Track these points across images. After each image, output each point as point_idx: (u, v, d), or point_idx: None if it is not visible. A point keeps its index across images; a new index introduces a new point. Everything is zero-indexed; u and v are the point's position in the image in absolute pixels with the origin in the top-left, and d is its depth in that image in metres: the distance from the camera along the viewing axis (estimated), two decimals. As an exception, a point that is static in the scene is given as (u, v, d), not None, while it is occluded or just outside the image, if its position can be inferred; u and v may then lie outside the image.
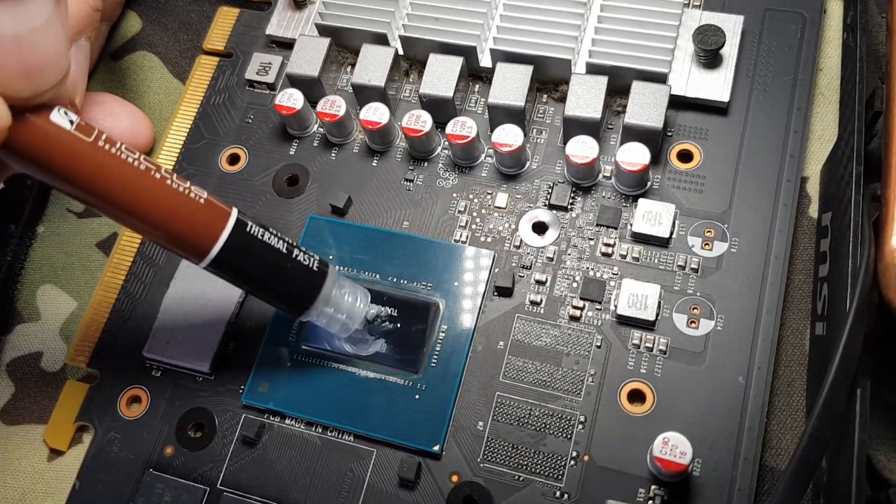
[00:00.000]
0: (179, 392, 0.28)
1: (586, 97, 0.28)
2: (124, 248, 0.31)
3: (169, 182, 0.22)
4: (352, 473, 0.26)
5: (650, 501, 0.24)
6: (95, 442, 0.28)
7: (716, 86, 0.28)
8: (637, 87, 0.28)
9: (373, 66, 0.30)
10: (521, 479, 0.25)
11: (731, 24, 0.29)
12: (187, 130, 0.32)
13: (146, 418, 0.28)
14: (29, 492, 0.28)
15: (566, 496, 0.25)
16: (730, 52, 0.29)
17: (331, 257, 0.29)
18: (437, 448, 0.26)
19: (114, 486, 0.27)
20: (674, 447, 0.23)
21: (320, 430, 0.27)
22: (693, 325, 0.26)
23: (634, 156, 0.27)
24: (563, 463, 0.25)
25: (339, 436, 0.27)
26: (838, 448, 0.23)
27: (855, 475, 0.21)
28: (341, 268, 0.28)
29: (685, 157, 0.28)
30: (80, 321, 0.30)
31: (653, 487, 0.24)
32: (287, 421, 0.27)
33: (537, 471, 0.25)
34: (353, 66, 0.31)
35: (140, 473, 0.27)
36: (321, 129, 0.31)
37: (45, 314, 0.31)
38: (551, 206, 0.28)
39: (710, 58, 0.28)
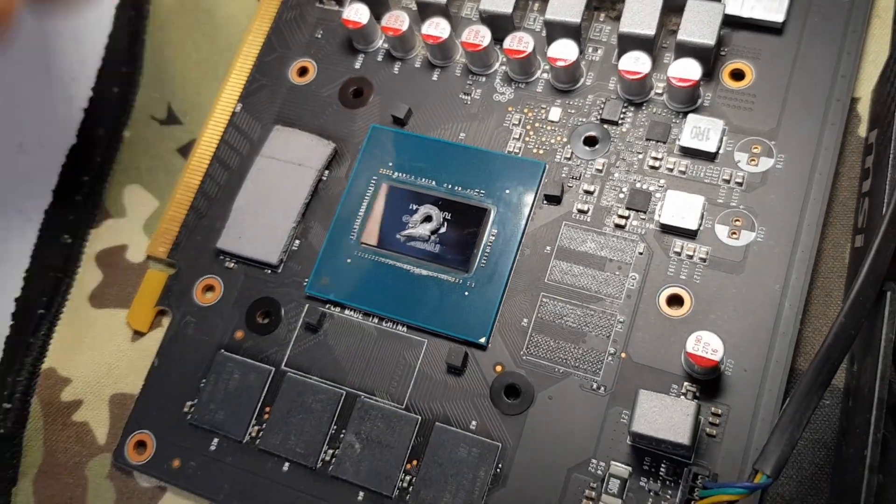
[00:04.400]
0: (249, 282, 0.31)
1: (641, 14, 0.29)
2: (202, 153, 0.33)
3: None
4: (404, 360, 0.28)
5: (682, 396, 0.26)
6: (173, 325, 0.31)
7: (772, 6, 0.29)
8: (692, 4, 0.29)
9: (436, -18, 0.31)
10: (561, 371, 0.27)
11: (792, -55, 0.29)
12: (261, 44, 0.34)
13: (219, 305, 0.31)
14: (114, 367, 0.31)
15: (602, 388, 0.26)
16: (788, -28, 0.29)
17: (390, 164, 0.31)
18: (483, 340, 0.27)
19: (188, 364, 0.30)
20: (706, 345, 0.25)
21: (376, 321, 0.29)
22: (734, 235, 0.27)
23: (686, 71, 0.28)
24: (601, 359, 0.27)
25: (394, 326, 0.29)
26: (866, 351, 0.24)
27: (879, 374, 0.22)
28: (400, 174, 0.30)
29: (737, 75, 0.29)
30: (162, 217, 0.33)
31: (685, 384, 0.26)
32: (346, 311, 0.29)
33: (576, 365, 0.27)
34: (418, -17, 0.32)
35: (212, 354, 0.30)
36: (385, 44, 0.33)
37: (130, 211, 0.34)
38: (603, 121, 0.29)
39: (767, -23, 0.29)
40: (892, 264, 0.24)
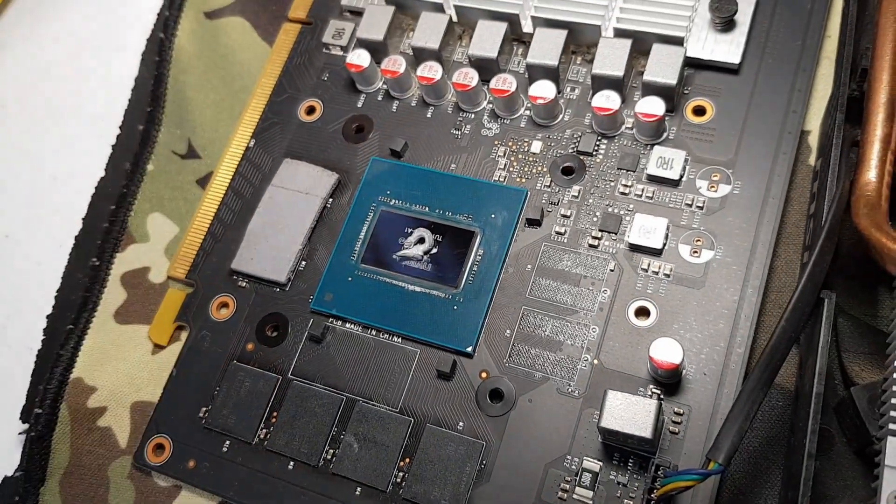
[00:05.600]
0: (260, 299, 0.34)
1: (612, 57, 0.32)
2: (218, 184, 0.36)
3: None
4: (398, 368, 0.31)
5: (648, 397, 0.28)
6: (190, 339, 0.34)
7: (729, 49, 0.32)
8: (656, 48, 0.32)
9: (430, 30, 0.35)
10: (540, 377, 0.30)
11: (747, -5, 0.33)
12: (273, 86, 0.38)
13: (232, 320, 0.34)
14: (136, 377, 0.34)
15: (577, 392, 0.29)
16: (743, 19, 0.32)
17: (388, 192, 0.34)
18: (469, 349, 0.30)
19: (204, 374, 0.33)
20: (666, 349, 0.27)
21: (374, 333, 0.32)
22: (695, 254, 0.30)
23: (651, 107, 0.31)
24: (575, 365, 0.29)
25: (390, 337, 0.32)
26: (809, 353, 0.27)
27: (817, 371, 0.25)
28: (397, 201, 0.33)
29: (699, 111, 0.32)
30: (181, 242, 0.36)
31: (651, 386, 0.28)
32: (347, 324, 0.32)
33: (553, 371, 0.30)
34: (413, 30, 0.36)
35: (226, 364, 0.33)
36: (384, 85, 0.36)
37: (152, 236, 0.37)
38: (579, 153, 0.33)
39: (724, 24, 0.32)
40: (828, 276, 0.27)
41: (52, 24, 0.45)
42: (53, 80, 0.43)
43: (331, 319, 0.32)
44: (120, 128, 0.39)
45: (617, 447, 0.28)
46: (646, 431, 0.26)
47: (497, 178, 0.33)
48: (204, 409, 0.32)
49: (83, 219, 0.38)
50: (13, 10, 0.46)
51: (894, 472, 0.23)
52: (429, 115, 0.35)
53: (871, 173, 0.27)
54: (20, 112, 0.43)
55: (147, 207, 0.38)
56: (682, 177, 0.31)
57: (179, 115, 0.39)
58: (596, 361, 0.29)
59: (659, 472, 0.27)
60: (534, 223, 0.32)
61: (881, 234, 0.25)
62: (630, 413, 0.26)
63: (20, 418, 0.34)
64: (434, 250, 0.32)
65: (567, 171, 0.33)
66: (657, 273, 0.30)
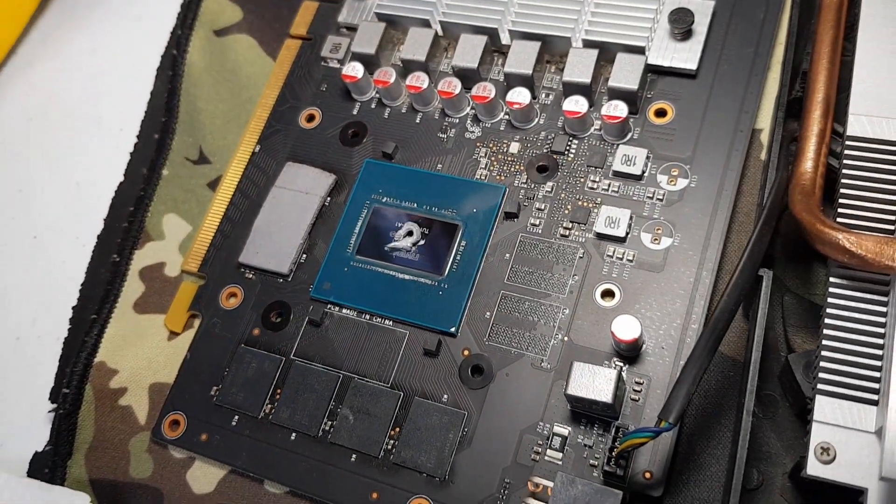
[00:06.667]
0: (265, 289, 0.37)
1: (581, 66, 0.36)
2: (227, 186, 0.40)
3: None
4: (390, 348, 0.34)
5: (612, 367, 0.31)
6: (202, 326, 0.37)
7: (687, 56, 0.35)
8: (620, 56, 0.35)
9: (417, 44, 0.38)
10: (516, 353, 0.33)
11: (704, 7, 0.36)
12: (276, 96, 0.41)
13: (240, 308, 0.37)
14: (153, 361, 0.38)
15: (549, 366, 0.32)
16: (700, 29, 0.36)
17: (381, 190, 0.37)
18: (453, 329, 0.34)
19: (215, 357, 0.36)
20: (626, 325, 0.30)
21: (367, 317, 0.35)
22: (656, 241, 0.33)
23: (615, 110, 0.34)
24: (548, 342, 0.33)
25: (382, 321, 0.35)
26: (752, 329, 0.30)
27: (755, 339, 0.28)
28: (388, 198, 0.37)
29: (661, 113, 0.36)
30: (194, 239, 0.39)
31: (614, 359, 0.32)
32: (343, 310, 0.35)
33: (528, 347, 0.33)
34: (403, 44, 0.39)
35: (234, 348, 0.36)
36: (377, 94, 0.39)
37: (167, 235, 0.41)
38: (552, 152, 0.36)
39: (682, 34, 0.35)
40: (773, 258, 0.30)
41: (75, 42, 0.49)
42: (76, 94, 0.47)
43: (329, 306, 0.36)
44: (137, 137, 0.43)
45: (583, 413, 0.31)
46: (607, 397, 0.29)
47: (479, 177, 0.36)
48: (215, 388, 0.36)
49: (104, 220, 0.41)
50: (38, 30, 0.50)
51: (821, 427, 0.26)
52: (417, 121, 0.39)
53: (807, 164, 0.30)
54: (46, 123, 0.46)
55: (162, 209, 0.41)
56: (644, 172, 0.34)
57: (191, 124, 0.42)
58: (566, 339, 0.32)
59: (619, 434, 0.30)
60: (511, 216, 0.35)
61: (812, 218, 0.28)
62: (593, 381, 0.30)
63: (49, 398, 0.37)
64: (421, 242, 0.35)
65: (542, 170, 0.36)
66: (621, 259, 0.33)
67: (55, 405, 0.37)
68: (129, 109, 0.44)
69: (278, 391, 0.35)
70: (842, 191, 0.29)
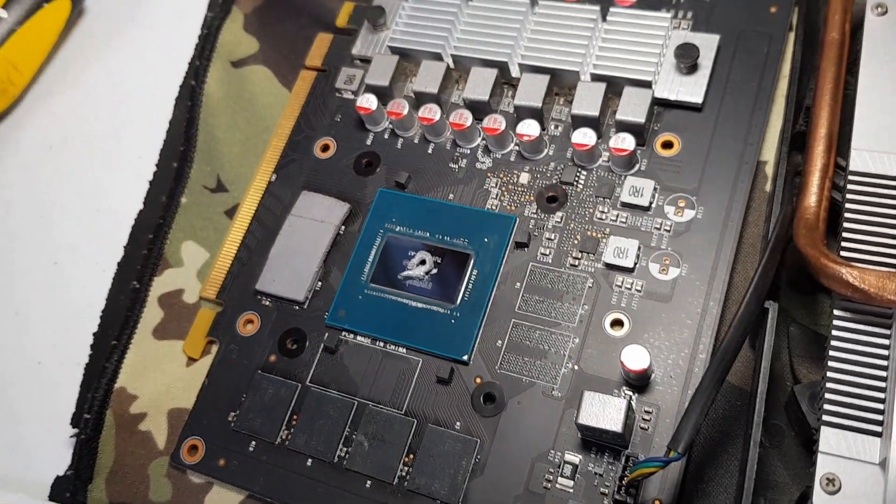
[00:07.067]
0: (281, 316, 0.38)
1: (589, 99, 0.36)
2: (244, 214, 0.41)
3: None
4: (403, 375, 0.35)
5: (622, 396, 0.32)
6: (220, 352, 0.38)
7: (693, 90, 0.36)
8: (627, 91, 0.36)
9: (429, 77, 0.39)
10: (527, 381, 0.34)
11: (709, 42, 0.37)
12: (291, 126, 0.42)
13: (257, 335, 0.38)
14: (172, 386, 0.38)
15: (559, 394, 0.33)
16: (705, 63, 0.37)
17: (394, 219, 0.38)
18: (465, 357, 0.34)
19: (232, 383, 0.37)
20: (635, 355, 0.31)
21: (381, 344, 0.36)
22: (663, 272, 0.34)
23: (623, 143, 0.35)
24: (558, 371, 0.33)
25: (396, 348, 0.36)
26: (758, 360, 0.30)
27: (762, 370, 0.29)
28: (402, 227, 0.38)
29: (667, 145, 0.36)
30: (212, 266, 0.40)
31: (623, 388, 0.32)
32: (358, 337, 0.36)
33: (539, 376, 0.33)
34: (415, 77, 0.40)
35: (251, 374, 0.37)
36: (390, 125, 0.41)
37: (186, 262, 0.42)
38: (562, 183, 0.37)
39: (688, 68, 0.36)
40: (779, 289, 0.30)
41: (95, 73, 0.50)
42: (96, 124, 0.48)
43: (344, 333, 0.37)
44: (156, 165, 0.44)
45: (594, 442, 0.32)
46: (617, 427, 0.30)
47: (490, 206, 0.37)
48: (232, 413, 0.36)
49: (124, 247, 0.42)
50: (59, 60, 0.51)
51: (826, 458, 0.27)
52: (429, 151, 0.40)
53: (811, 199, 0.31)
54: (67, 152, 0.48)
55: (181, 236, 0.42)
56: (651, 203, 0.35)
57: (209, 153, 0.44)
58: (576, 367, 0.33)
59: (629, 463, 0.31)
60: (522, 246, 0.36)
61: (817, 252, 0.29)
62: (603, 411, 0.30)
63: (70, 423, 0.38)
64: (434, 271, 0.36)
65: (551, 200, 0.37)
66: (630, 289, 0.34)
67: (76, 430, 0.38)
68: (147, 138, 0.46)
69: (294, 417, 0.35)
70: (845, 225, 0.30)
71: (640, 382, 0.32)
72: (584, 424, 0.30)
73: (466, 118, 0.38)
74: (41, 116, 0.49)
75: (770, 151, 0.36)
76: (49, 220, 0.46)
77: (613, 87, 0.37)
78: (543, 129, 0.38)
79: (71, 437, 0.38)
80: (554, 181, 0.37)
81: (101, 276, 0.42)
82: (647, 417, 0.32)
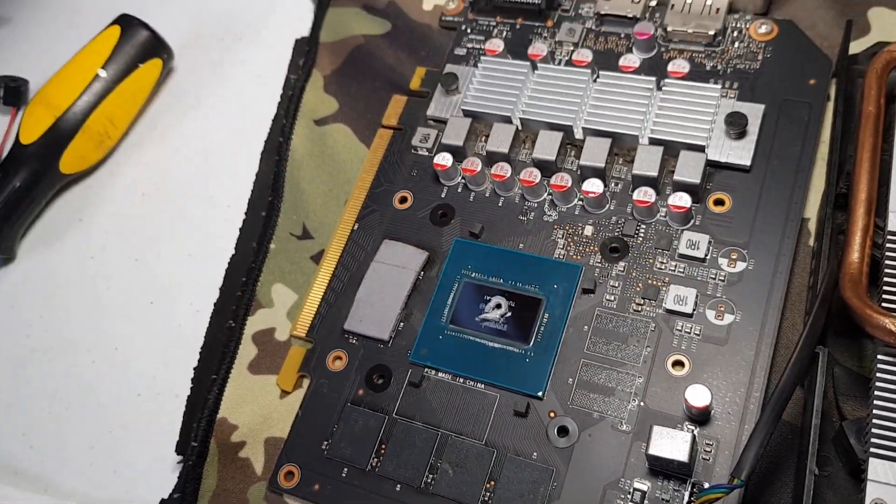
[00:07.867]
0: (368, 353, 0.42)
1: (648, 160, 0.41)
2: (329, 260, 0.45)
3: None
4: (483, 409, 0.39)
5: (686, 430, 0.36)
6: (311, 386, 0.42)
7: (742, 154, 0.40)
8: (683, 154, 0.40)
9: (500, 138, 0.44)
10: (597, 416, 0.37)
11: (755, 111, 0.41)
12: (371, 180, 0.47)
13: (345, 371, 0.42)
14: (268, 417, 0.42)
15: (627, 428, 0.37)
16: (752, 129, 0.41)
17: (469, 267, 0.42)
18: (540, 393, 0.38)
19: (324, 414, 0.41)
20: (698, 394, 0.35)
21: (462, 381, 0.40)
22: (719, 318, 0.38)
23: (680, 200, 0.39)
24: (625, 407, 0.37)
25: (475, 384, 0.39)
26: (808, 398, 0.34)
27: (815, 407, 0.32)
28: (477, 274, 0.42)
29: (719, 202, 0.40)
30: (300, 307, 0.44)
31: (686, 423, 0.36)
32: (440, 374, 0.40)
33: (608, 411, 0.37)
34: (487, 137, 0.44)
35: (342, 407, 0.41)
36: (464, 180, 0.45)
37: (276, 303, 0.46)
38: (623, 236, 0.41)
39: (737, 134, 0.41)
40: (825, 335, 0.34)
41: (182, 127, 0.55)
42: (184, 174, 0.53)
43: (426, 369, 0.40)
44: (245, 213, 0.48)
45: (661, 471, 0.35)
46: (684, 457, 0.34)
47: (557, 256, 0.41)
48: (325, 442, 0.40)
49: (220, 288, 0.46)
50: (149, 115, 0.56)
51: (875, 485, 0.30)
52: (500, 204, 0.44)
53: (854, 255, 0.34)
54: (161, 200, 0.52)
55: (271, 279, 0.46)
56: (707, 255, 0.39)
57: (295, 203, 0.48)
58: (642, 404, 0.37)
59: (694, 490, 0.34)
60: (588, 292, 0.40)
61: (861, 304, 0.33)
62: (671, 443, 0.34)
63: (176, 451, 0.42)
64: (508, 314, 0.40)
65: (614, 251, 0.41)
66: (689, 333, 0.38)
67: (182, 457, 0.42)
68: (234, 188, 0.50)
69: (383, 446, 0.39)
70: (885, 279, 0.33)
71: (701, 418, 0.36)
72: (654, 455, 0.34)
73: (535, 175, 0.42)
74: (133, 166, 0.54)
75: (812, 209, 0.40)
76: (143, 262, 0.50)
77: (670, 150, 0.41)
78: (606, 186, 0.42)
79: (178, 462, 0.42)
80: (616, 234, 0.41)
81: (196, 315, 0.46)
82: (707, 449, 0.35)
